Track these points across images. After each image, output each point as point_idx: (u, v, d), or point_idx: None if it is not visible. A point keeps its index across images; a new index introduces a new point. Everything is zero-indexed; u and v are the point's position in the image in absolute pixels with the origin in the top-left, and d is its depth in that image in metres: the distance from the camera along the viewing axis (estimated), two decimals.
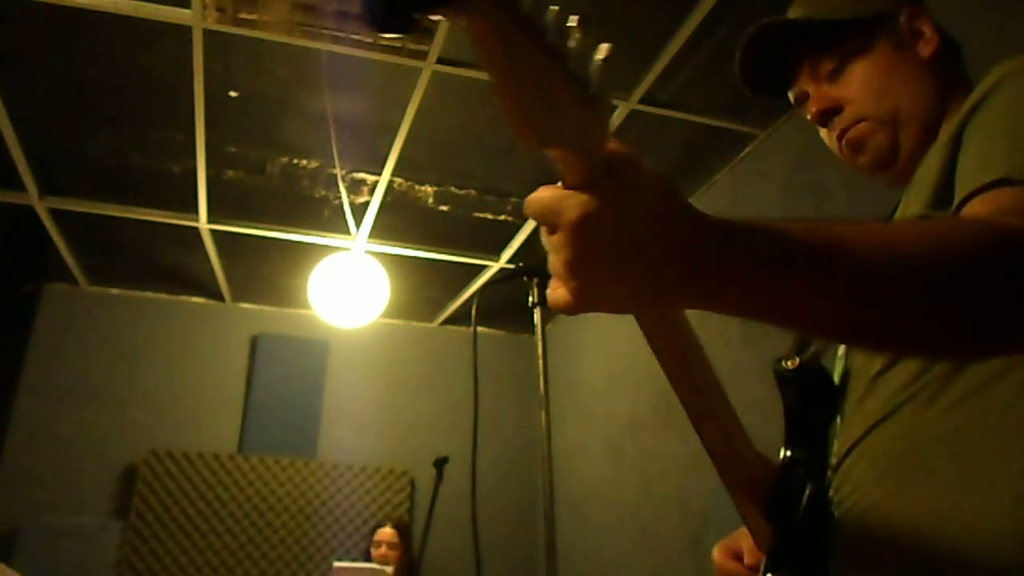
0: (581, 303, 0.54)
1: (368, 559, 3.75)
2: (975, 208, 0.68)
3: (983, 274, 0.58)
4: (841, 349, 0.94)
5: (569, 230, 0.51)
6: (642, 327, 0.75)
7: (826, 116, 0.99)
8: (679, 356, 0.78)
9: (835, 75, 0.99)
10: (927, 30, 0.99)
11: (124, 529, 4.14)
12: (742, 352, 2.97)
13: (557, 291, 0.54)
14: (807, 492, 0.85)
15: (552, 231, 0.53)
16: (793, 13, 1.04)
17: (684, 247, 0.53)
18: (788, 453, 0.90)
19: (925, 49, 0.97)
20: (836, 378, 0.91)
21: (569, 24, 0.52)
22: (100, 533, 4.10)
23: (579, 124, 0.52)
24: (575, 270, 0.52)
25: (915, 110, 0.94)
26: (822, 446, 0.89)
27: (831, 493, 0.85)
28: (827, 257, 0.56)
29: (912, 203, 0.82)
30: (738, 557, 0.96)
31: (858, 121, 0.97)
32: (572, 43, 0.52)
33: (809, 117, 1.02)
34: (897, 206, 0.91)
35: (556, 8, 0.51)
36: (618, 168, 0.54)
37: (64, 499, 4.16)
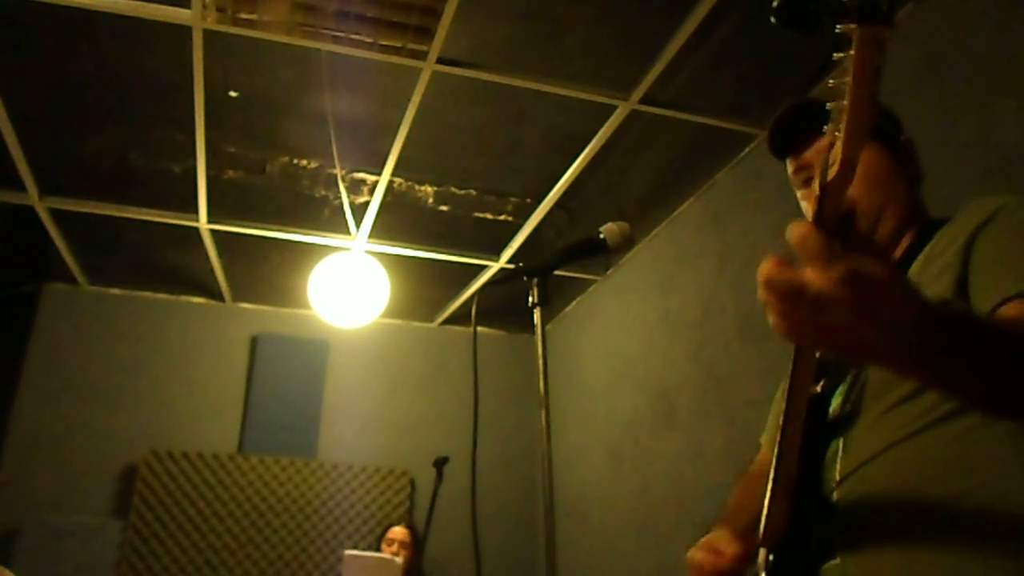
0: (799, 336, 0.71)
1: None
2: (1010, 310, 0.90)
3: None
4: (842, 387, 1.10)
5: (841, 275, 0.65)
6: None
7: (801, 174, 1.22)
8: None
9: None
10: (917, 158, 1.22)
11: (124, 529, 4.14)
12: (742, 352, 2.97)
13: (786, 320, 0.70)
14: (814, 497, 1.01)
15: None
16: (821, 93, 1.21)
17: (903, 327, 0.67)
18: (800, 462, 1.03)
19: (913, 171, 1.21)
20: (832, 407, 1.08)
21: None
22: (100, 533, 4.10)
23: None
24: (823, 303, 0.66)
25: (896, 211, 1.16)
26: (817, 460, 1.05)
27: (834, 501, 1.00)
28: (987, 351, 0.75)
29: (928, 289, 0.97)
30: (717, 552, 1.16)
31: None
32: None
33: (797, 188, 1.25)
34: None
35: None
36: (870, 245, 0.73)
37: (64, 499, 4.16)
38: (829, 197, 0.71)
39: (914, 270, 1.08)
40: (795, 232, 0.68)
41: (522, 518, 4.65)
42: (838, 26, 0.65)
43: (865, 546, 0.96)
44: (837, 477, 1.01)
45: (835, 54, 0.68)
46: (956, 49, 2.13)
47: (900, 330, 0.66)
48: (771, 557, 1.02)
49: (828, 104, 0.71)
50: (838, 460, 1.02)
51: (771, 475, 1.00)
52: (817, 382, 1.10)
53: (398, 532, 3.75)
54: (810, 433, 1.03)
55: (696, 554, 1.19)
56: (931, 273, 1.04)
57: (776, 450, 0.99)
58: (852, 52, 0.66)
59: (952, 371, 0.74)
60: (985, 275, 0.97)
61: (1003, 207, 1.03)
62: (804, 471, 1.02)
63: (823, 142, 1.13)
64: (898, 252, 1.15)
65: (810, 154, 1.22)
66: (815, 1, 0.72)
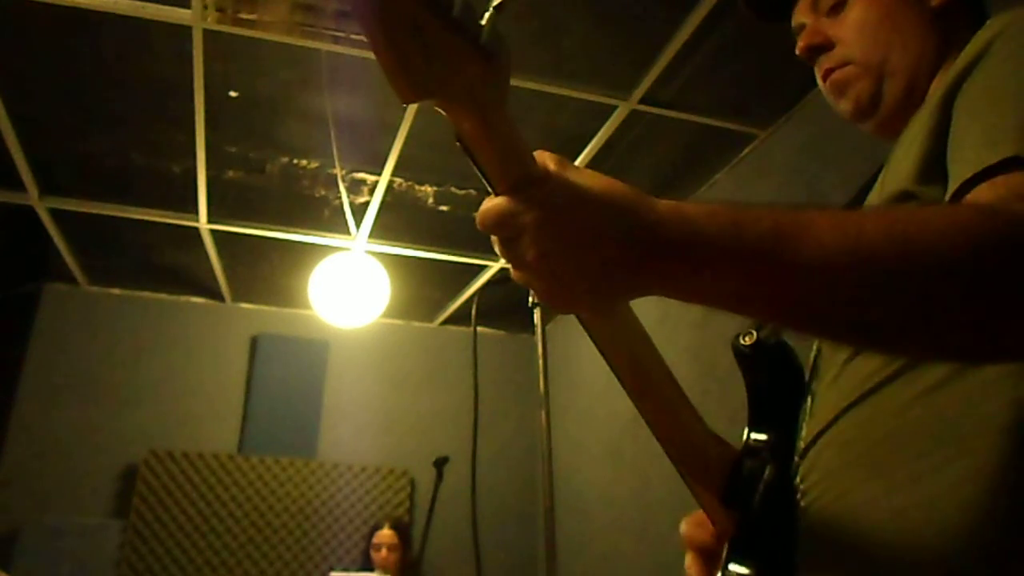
0: (553, 301, 0.58)
1: (367, 560, 3.74)
2: (983, 193, 0.61)
3: (1001, 270, 0.54)
4: None
5: (528, 234, 0.55)
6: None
7: (812, 52, 0.94)
8: (608, 330, 0.77)
9: (835, 10, 0.93)
10: None
11: (124, 529, 4.14)
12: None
13: (535, 290, 0.58)
14: (765, 478, 0.81)
15: (508, 240, 0.56)
16: None
17: (630, 237, 0.55)
18: (750, 435, 0.85)
19: (932, 1, 0.90)
20: (811, 357, 0.86)
21: None
22: (100, 533, 4.10)
23: (461, 76, 0.52)
24: (541, 270, 0.56)
25: (904, 63, 0.88)
26: (790, 428, 0.83)
27: (797, 480, 0.80)
28: (777, 245, 0.54)
29: (892, 174, 0.76)
30: (705, 526, 0.93)
31: (844, 64, 0.92)
32: None
33: (797, 51, 0.97)
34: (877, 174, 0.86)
35: None
36: (548, 174, 0.56)
37: (64, 499, 4.16)
38: (492, 173, 0.57)
39: (891, 153, 0.81)
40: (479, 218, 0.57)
41: (522, 518, 4.65)
42: None
43: (828, 538, 0.75)
44: (801, 446, 0.81)
45: None
46: None
47: (626, 259, 0.55)
48: (726, 554, 0.82)
49: None
50: (804, 426, 0.82)
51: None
52: (756, 329, 0.88)
53: (384, 535, 3.70)
54: (778, 391, 0.85)
55: (684, 526, 0.97)
56: (900, 150, 0.78)
57: (659, 442, 0.80)
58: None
59: (763, 298, 0.56)
60: (959, 139, 0.68)
61: (1005, 28, 0.72)
62: (773, 442, 0.83)
63: (825, 1, 0.92)
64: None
65: (804, 13, 0.98)
66: None
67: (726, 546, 0.81)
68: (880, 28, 0.90)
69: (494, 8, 0.54)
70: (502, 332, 5.05)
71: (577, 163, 3.30)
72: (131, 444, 4.31)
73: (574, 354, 4.53)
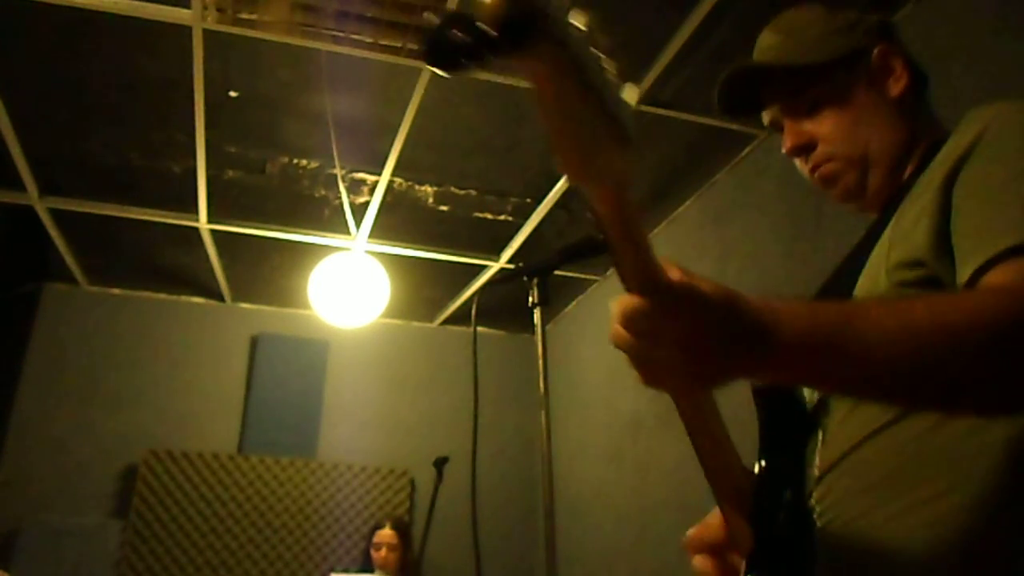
0: (664, 384, 0.70)
1: (367, 559, 3.74)
2: (996, 277, 0.74)
3: (1015, 345, 0.66)
4: None
5: (663, 335, 0.65)
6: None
7: (800, 151, 1.07)
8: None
9: (811, 112, 1.06)
10: (898, 67, 1.04)
11: (124, 529, 4.14)
12: None
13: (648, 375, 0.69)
14: (786, 498, 0.91)
15: (641, 333, 0.66)
16: (766, 53, 1.10)
17: (748, 344, 0.66)
18: (764, 463, 0.94)
19: (895, 88, 1.04)
20: (809, 397, 0.97)
21: (603, 58, 0.57)
22: (100, 533, 4.10)
23: (616, 162, 0.59)
24: (662, 363, 0.66)
25: (883, 152, 1.01)
26: (799, 458, 0.94)
27: (813, 503, 0.90)
28: (844, 338, 0.67)
29: (902, 242, 0.87)
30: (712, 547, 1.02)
31: (829, 160, 1.04)
32: (607, 76, 0.57)
33: (784, 150, 1.09)
34: (871, 233, 0.97)
35: (595, 44, 0.56)
36: (678, 283, 0.66)
37: (64, 499, 4.16)
38: (625, 270, 0.66)
39: (890, 224, 0.91)
40: (615, 311, 0.68)
41: (522, 518, 4.65)
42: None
43: (844, 555, 0.86)
44: (816, 474, 0.91)
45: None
46: (956, 49, 2.13)
47: (742, 345, 0.65)
48: (744, 570, 0.92)
49: None
50: (817, 455, 0.92)
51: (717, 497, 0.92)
52: None
53: (385, 535, 3.71)
54: (787, 424, 0.95)
55: (691, 530, 1.06)
56: (906, 224, 0.88)
57: (704, 470, 0.90)
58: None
59: (843, 384, 0.72)
60: (965, 233, 0.80)
61: (993, 120, 0.85)
62: (787, 468, 0.93)
63: (799, 106, 1.07)
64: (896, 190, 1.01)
65: (778, 113, 1.11)
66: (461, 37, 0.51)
67: (744, 563, 0.91)
68: (856, 125, 1.03)
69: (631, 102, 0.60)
70: (502, 332, 5.05)
71: None
72: (131, 444, 4.31)
73: (574, 354, 4.53)
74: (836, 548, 0.86)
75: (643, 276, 0.65)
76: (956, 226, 0.81)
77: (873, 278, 0.88)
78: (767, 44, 1.11)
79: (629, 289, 0.67)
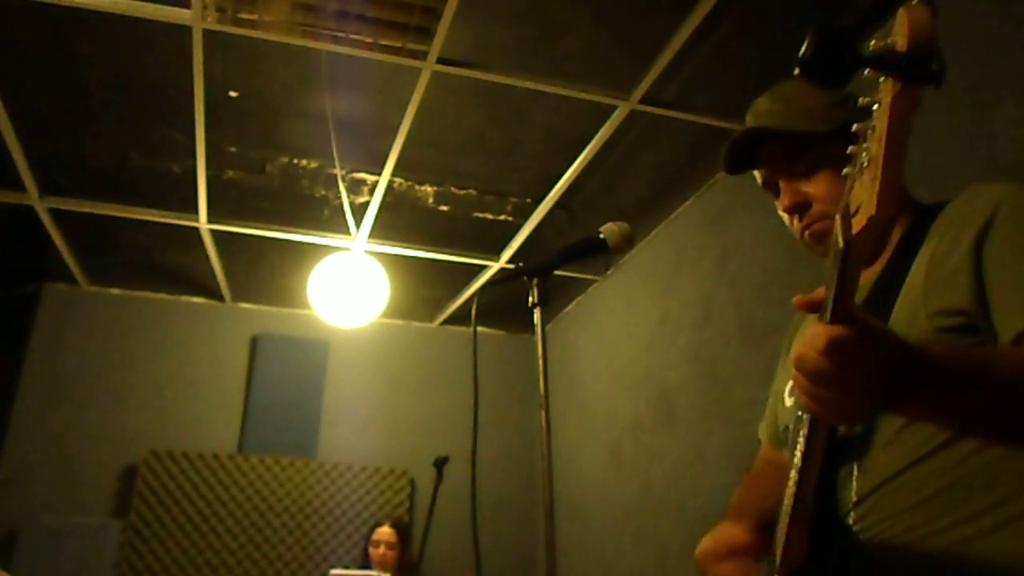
0: (827, 416, 0.82)
1: (366, 558, 3.75)
2: None
3: None
4: None
5: (846, 368, 0.75)
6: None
7: (796, 209, 1.18)
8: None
9: (807, 174, 1.17)
10: None
11: (124, 529, 4.14)
12: (742, 352, 2.97)
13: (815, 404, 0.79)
14: (831, 521, 1.01)
15: (846, 364, 0.74)
16: (767, 118, 1.21)
17: (914, 386, 0.78)
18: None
19: None
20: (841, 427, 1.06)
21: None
22: (100, 533, 4.10)
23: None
24: (831, 398, 0.76)
25: None
26: (830, 483, 1.04)
27: (850, 522, 1.00)
28: (979, 383, 0.82)
29: (938, 290, 1.00)
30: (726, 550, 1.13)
31: (823, 218, 1.15)
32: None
33: (781, 209, 1.21)
34: (883, 286, 1.12)
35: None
36: (864, 324, 0.75)
37: (64, 499, 4.16)
38: (854, 253, 0.71)
39: (918, 270, 1.04)
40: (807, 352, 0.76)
41: (522, 518, 4.65)
42: (881, 77, 0.65)
43: (885, 572, 0.95)
44: (854, 498, 1.00)
45: (861, 99, 0.69)
46: (956, 49, 2.13)
47: (905, 377, 0.76)
48: None
49: (850, 148, 0.73)
50: (854, 481, 1.01)
51: (790, 502, 0.98)
52: None
53: (383, 533, 3.72)
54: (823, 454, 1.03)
55: (705, 541, 1.17)
56: (942, 277, 1.01)
57: (796, 478, 0.97)
58: (886, 104, 0.65)
59: (965, 417, 0.83)
60: (1006, 294, 0.95)
61: (1005, 201, 1.01)
62: (815, 494, 1.00)
63: (796, 168, 1.19)
64: (889, 248, 1.14)
65: (775, 173, 1.22)
66: (850, 53, 0.67)
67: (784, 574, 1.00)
68: None
69: None
70: (502, 332, 5.05)
71: (577, 163, 3.26)
72: (131, 444, 4.31)
73: (574, 354, 4.52)
74: (876, 563, 0.96)
75: (846, 308, 0.72)
76: (995, 286, 0.96)
77: (910, 322, 1.00)
78: (765, 109, 1.22)
79: (833, 317, 0.74)
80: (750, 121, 1.24)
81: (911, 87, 0.64)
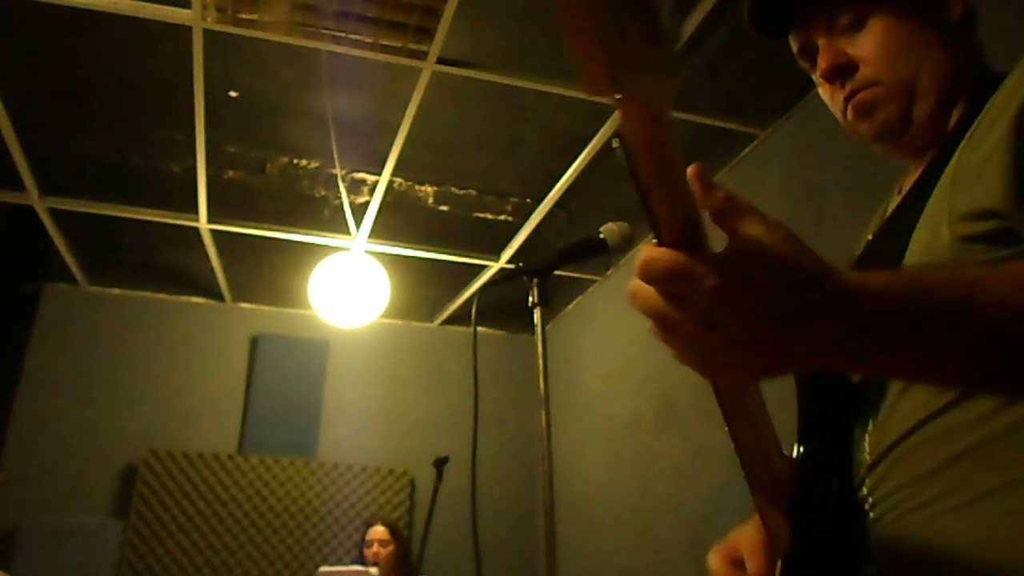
0: (706, 368, 0.55)
1: (362, 559, 3.75)
2: None
3: None
4: None
5: (707, 299, 0.50)
6: None
7: (837, 73, 0.91)
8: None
9: (852, 29, 0.91)
10: None
11: (124, 529, 4.14)
12: None
13: (684, 353, 0.54)
14: (832, 488, 0.80)
15: (675, 297, 0.52)
16: None
17: (825, 319, 0.52)
18: (804, 448, 0.83)
19: (949, 16, 0.89)
20: None
21: None
22: (100, 533, 4.10)
23: (650, 67, 0.45)
24: (709, 338, 0.52)
25: (935, 81, 0.87)
26: (845, 443, 0.81)
27: (864, 493, 0.78)
28: (966, 319, 0.54)
29: (969, 188, 0.74)
30: (738, 563, 0.88)
31: (871, 84, 0.89)
32: None
33: (817, 72, 0.94)
34: (916, 192, 0.86)
35: None
36: (735, 234, 0.53)
37: (64, 499, 4.16)
38: (634, 152, 0.51)
39: (951, 164, 0.78)
40: (639, 262, 0.53)
41: (522, 518, 4.65)
42: None
43: (902, 553, 0.74)
44: (868, 460, 0.78)
45: None
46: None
47: (819, 338, 0.52)
48: (781, 571, 0.81)
49: None
50: (867, 440, 0.79)
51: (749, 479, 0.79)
52: None
53: (377, 532, 3.73)
54: (831, 402, 0.82)
55: (713, 561, 0.92)
56: (969, 169, 0.75)
57: (739, 459, 0.77)
58: None
59: (938, 371, 0.57)
60: None
61: None
62: (832, 454, 0.81)
63: (842, 20, 0.90)
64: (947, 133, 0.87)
65: (815, 33, 0.94)
66: None
67: (779, 563, 0.80)
68: (907, 48, 0.88)
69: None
70: (502, 332, 5.05)
71: (576, 163, 3.23)
72: (131, 444, 4.31)
73: (574, 354, 4.52)
74: (893, 544, 0.74)
75: (683, 223, 0.52)
76: None
77: (932, 232, 0.76)
78: None
79: (662, 239, 0.53)
80: None
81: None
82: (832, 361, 0.56)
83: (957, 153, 0.78)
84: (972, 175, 0.74)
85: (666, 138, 0.50)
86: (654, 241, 0.54)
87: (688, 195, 0.53)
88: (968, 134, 0.78)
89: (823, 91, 0.96)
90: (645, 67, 0.45)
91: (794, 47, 0.98)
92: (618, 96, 0.46)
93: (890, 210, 0.94)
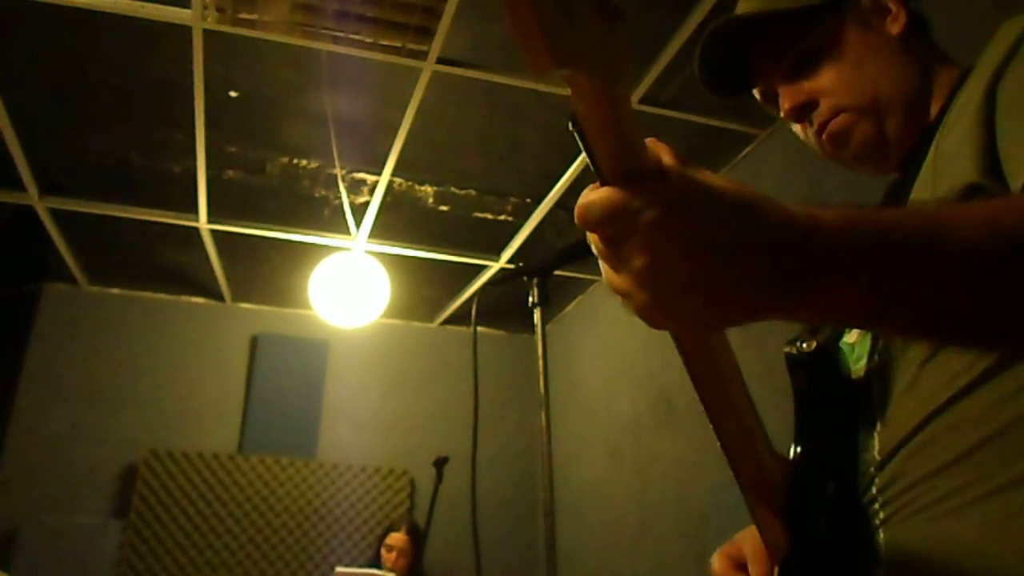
0: (656, 316, 0.50)
1: (378, 559, 3.71)
2: None
3: None
4: (854, 336, 0.82)
5: (646, 234, 0.47)
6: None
7: (801, 112, 0.93)
8: (703, 345, 0.69)
9: (804, 67, 0.92)
10: (892, 6, 0.92)
11: (124, 529, 4.14)
12: (743, 353, 2.96)
13: (633, 302, 0.50)
14: (829, 491, 0.76)
15: (616, 238, 0.49)
16: (745, 5, 0.96)
17: (773, 252, 0.49)
18: (800, 448, 0.80)
19: (894, 26, 0.91)
20: (853, 366, 0.81)
21: None
22: (100, 533, 4.10)
23: (598, 42, 0.44)
24: (653, 279, 0.48)
25: (897, 94, 0.88)
26: (842, 441, 0.79)
27: (873, 492, 0.75)
28: (928, 251, 0.51)
29: (949, 168, 0.74)
30: (741, 566, 0.86)
31: (837, 113, 0.90)
32: None
33: (782, 114, 0.95)
34: (896, 189, 0.87)
35: None
36: (671, 168, 0.50)
37: (64, 499, 4.16)
38: (601, 154, 0.49)
39: (928, 158, 0.78)
40: (578, 206, 0.50)
41: (522, 518, 4.65)
42: None
43: (918, 552, 0.70)
44: (877, 459, 0.75)
45: None
46: (956, 49, 2.13)
47: (770, 271, 0.49)
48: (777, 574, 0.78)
49: None
50: (875, 437, 0.75)
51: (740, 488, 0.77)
52: (812, 335, 0.82)
53: (397, 539, 3.67)
54: (830, 398, 0.80)
55: (717, 563, 0.90)
56: (948, 149, 0.75)
57: (729, 463, 0.74)
58: None
59: (893, 303, 0.52)
60: (1010, 141, 0.68)
61: None
62: (830, 454, 0.78)
63: (790, 61, 0.91)
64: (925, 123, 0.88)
65: (771, 79, 0.96)
66: None
67: (776, 569, 0.78)
68: (859, 69, 0.90)
69: None
70: (502, 332, 5.05)
71: (576, 163, 3.24)
72: (131, 444, 4.31)
73: (574, 354, 4.53)
74: (907, 544, 0.71)
75: (622, 160, 0.48)
76: (1003, 142, 0.69)
77: None
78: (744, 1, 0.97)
79: (602, 179, 0.50)
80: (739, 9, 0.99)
81: None
82: (788, 305, 0.51)
83: (934, 142, 0.78)
84: (950, 157, 0.74)
85: (620, 115, 0.47)
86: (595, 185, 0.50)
87: (637, 139, 0.50)
88: (942, 124, 0.79)
89: (796, 130, 0.97)
90: (591, 42, 0.43)
91: (757, 96, 1.00)
92: (565, 72, 0.44)
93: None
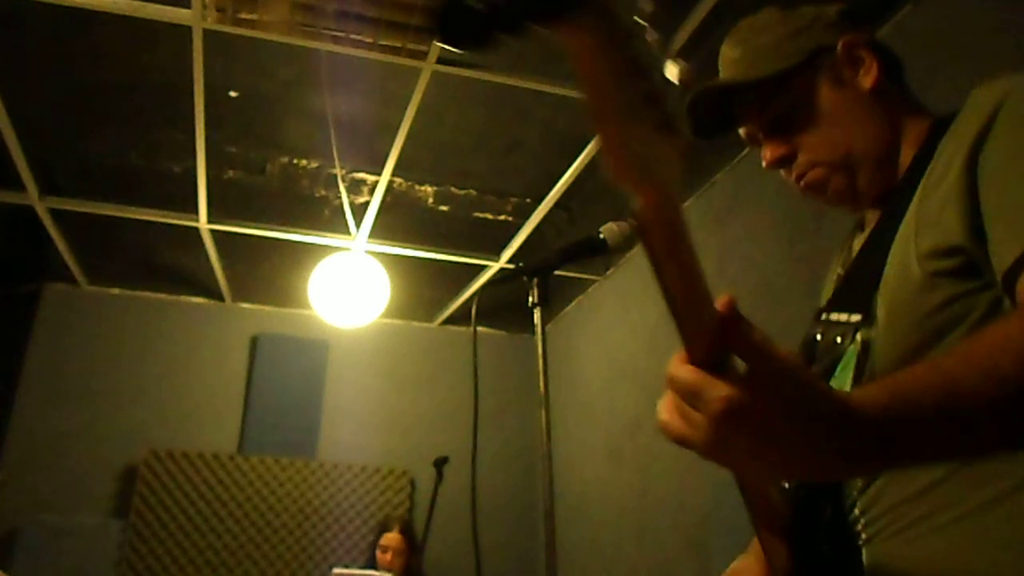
0: (722, 464, 0.59)
1: (374, 560, 3.71)
2: None
3: None
4: (851, 359, 0.88)
5: (712, 420, 0.54)
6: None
7: (780, 163, 1.01)
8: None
9: (781, 124, 1.00)
10: (866, 57, 0.98)
11: (124, 529, 4.14)
12: None
13: (686, 443, 0.58)
14: (827, 514, 0.83)
15: (692, 409, 0.56)
16: (728, 69, 1.06)
17: (833, 449, 0.57)
18: None
19: (867, 79, 0.97)
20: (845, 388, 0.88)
21: (648, 30, 0.51)
22: (100, 533, 4.10)
23: (665, 158, 0.50)
24: (712, 451, 0.56)
25: (868, 148, 0.96)
26: None
27: (856, 514, 0.82)
28: (952, 415, 0.59)
29: (931, 228, 0.81)
30: None
31: (813, 167, 0.99)
32: (653, 51, 0.51)
33: (764, 165, 1.04)
34: (879, 231, 0.93)
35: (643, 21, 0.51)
36: (756, 361, 0.56)
37: (64, 499, 4.16)
38: (650, 238, 0.54)
39: (914, 203, 0.85)
40: (669, 374, 0.58)
41: (522, 518, 4.65)
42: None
43: (892, 573, 0.78)
44: (859, 483, 0.83)
45: None
46: (956, 49, 2.13)
47: (832, 447, 0.56)
48: None
49: None
50: None
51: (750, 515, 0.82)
52: (809, 364, 0.91)
53: (392, 539, 3.66)
54: None
55: None
56: (931, 209, 0.81)
57: (743, 497, 0.79)
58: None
59: (938, 449, 0.62)
60: (1000, 213, 0.74)
61: (1011, 94, 0.80)
62: (829, 482, 0.84)
63: (770, 117, 1.00)
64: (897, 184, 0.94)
65: (753, 128, 1.04)
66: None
67: None
68: (832, 128, 0.97)
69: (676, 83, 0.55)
70: (502, 332, 5.05)
71: (576, 163, 3.23)
72: (131, 444, 4.31)
73: (574, 354, 4.53)
74: (883, 564, 0.78)
75: (711, 344, 0.55)
76: (987, 214, 0.75)
77: (903, 268, 0.82)
78: (728, 58, 1.07)
79: (693, 353, 0.56)
80: (721, 74, 1.08)
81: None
82: (834, 476, 0.68)
83: (916, 196, 0.85)
84: (933, 217, 0.80)
85: (677, 218, 0.54)
86: (683, 355, 0.58)
87: (704, 286, 0.57)
88: (925, 177, 0.85)
89: (782, 173, 1.06)
90: (660, 156, 0.49)
91: (743, 136, 1.07)
92: (636, 183, 0.50)
93: (856, 249, 1.01)
